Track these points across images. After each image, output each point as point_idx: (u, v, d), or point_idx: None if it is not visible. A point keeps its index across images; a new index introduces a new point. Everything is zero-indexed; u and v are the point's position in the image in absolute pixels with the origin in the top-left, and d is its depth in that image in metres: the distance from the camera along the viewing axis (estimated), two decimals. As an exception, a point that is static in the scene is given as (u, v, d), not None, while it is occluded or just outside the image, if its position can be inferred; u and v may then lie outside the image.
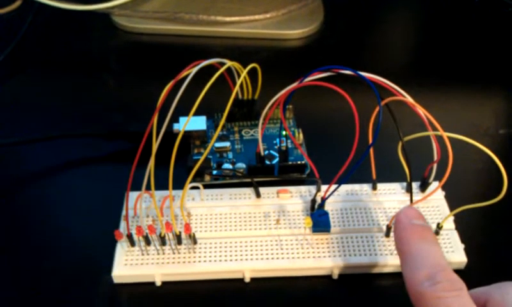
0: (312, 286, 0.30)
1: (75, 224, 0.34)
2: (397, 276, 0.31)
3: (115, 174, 0.35)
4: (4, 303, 0.30)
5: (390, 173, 0.33)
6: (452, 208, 0.33)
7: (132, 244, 0.31)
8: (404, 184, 0.34)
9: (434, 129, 0.28)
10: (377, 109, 0.28)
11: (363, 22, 0.56)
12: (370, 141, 0.30)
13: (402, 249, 0.25)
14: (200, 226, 0.32)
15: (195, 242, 0.31)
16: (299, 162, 0.36)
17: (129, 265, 0.30)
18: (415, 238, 0.25)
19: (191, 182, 0.30)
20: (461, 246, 0.31)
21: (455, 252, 0.31)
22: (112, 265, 0.30)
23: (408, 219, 0.26)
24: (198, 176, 0.35)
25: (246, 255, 0.31)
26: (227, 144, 0.38)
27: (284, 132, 0.36)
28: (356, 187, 0.34)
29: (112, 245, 0.31)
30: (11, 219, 0.34)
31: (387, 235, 0.31)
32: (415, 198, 0.31)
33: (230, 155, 0.37)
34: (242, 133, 0.39)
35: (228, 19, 0.51)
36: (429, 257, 0.24)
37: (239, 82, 0.32)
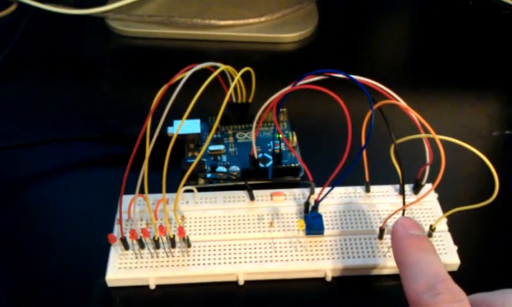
0: (305, 288, 0.30)
1: (69, 228, 0.33)
2: (390, 278, 0.31)
3: (109, 178, 0.35)
4: (-3, 307, 0.30)
5: (383, 175, 0.34)
6: (445, 210, 0.33)
7: (126, 247, 0.31)
8: (397, 186, 0.34)
9: (427, 132, 0.29)
10: (369, 112, 0.28)
11: (357, 25, 0.56)
12: (363, 143, 0.30)
13: (401, 260, 0.25)
14: (193, 229, 0.32)
15: (189, 245, 0.31)
16: (292, 165, 0.36)
17: (123, 269, 0.30)
18: (413, 249, 0.25)
19: (184, 185, 0.30)
20: (454, 248, 0.31)
21: (448, 254, 0.31)
22: (106, 269, 0.30)
23: (405, 229, 0.26)
24: (192, 179, 0.35)
25: (240, 258, 0.31)
26: (221, 147, 0.38)
27: (278, 135, 0.36)
28: (349, 189, 0.34)
29: (106, 248, 0.31)
30: (5, 223, 0.34)
31: (380, 237, 0.31)
32: (408, 200, 0.31)
33: (224, 158, 0.37)
34: (236, 136, 0.39)
35: (222, 23, 0.51)
36: (428, 267, 0.23)
37: (232, 86, 0.32)
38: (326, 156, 0.34)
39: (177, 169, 0.35)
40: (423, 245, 0.25)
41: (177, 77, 0.30)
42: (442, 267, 0.24)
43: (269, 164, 0.37)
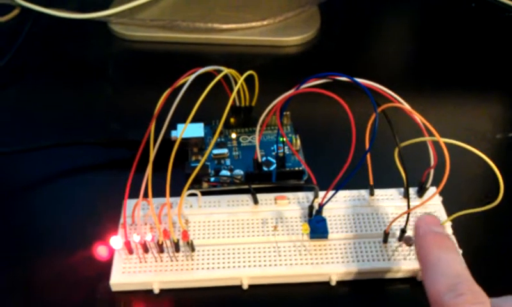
0: (310, 292, 0.30)
1: (73, 232, 0.33)
2: (395, 282, 0.31)
3: (113, 182, 0.35)
4: (1, 312, 0.30)
5: (387, 179, 0.33)
6: (449, 213, 0.33)
7: (130, 251, 0.31)
8: (402, 189, 0.34)
9: (431, 135, 0.29)
10: (373, 115, 0.28)
11: (360, 28, 0.56)
12: (367, 147, 0.30)
13: (423, 258, 0.25)
14: (197, 233, 0.32)
15: (193, 249, 0.31)
16: (296, 169, 0.36)
17: (127, 273, 0.30)
18: (434, 247, 0.24)
19: (188, 189, 0.30)
20: (459, 251, 0.31)
21: (453, 257, 0.31)
22: (110, 273, 0.30)
23: (428, 226, 0.25)
24: (196, 183, 0.35)
25: (244, 262, 0.31)
26: (225, 151, 0.38)
27: (281, 139, 0.36)
28: (353, 192, 0.34)
29: (110, 253, 0.31)
30: (8, 227, 0.34)
31: (385, 240, 0.31)
32: (412, 204, 0.31)
33: (228, 161, 0.37)
34: (240, 140, 0.39)
35: (225, 26, 0.51)
36: (450, 267, 0.23)
37: (236, 89, 0.32)
38: (330, 159, 0.34)
39: (181, 173, 0.35)
40: (444, 243, 0.25)
41: (180, 81, 0.30)
42: (464, 267, 0.23)
43: (273, 167, 0.37)
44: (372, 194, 0.34)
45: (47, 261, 0.32)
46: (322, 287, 0.30)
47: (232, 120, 0.39)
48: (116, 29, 0.52)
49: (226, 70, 0.32)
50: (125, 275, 0.30)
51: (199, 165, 0.30)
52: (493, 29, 0.55)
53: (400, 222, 0.31)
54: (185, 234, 0.30)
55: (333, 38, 0.53)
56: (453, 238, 0.32)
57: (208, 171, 0.36)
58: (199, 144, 0.38)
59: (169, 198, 0.29)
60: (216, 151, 0.37)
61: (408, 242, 0.30)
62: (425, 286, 0.23)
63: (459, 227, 0.32)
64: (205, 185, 0.36)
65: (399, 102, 0.30)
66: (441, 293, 0.22)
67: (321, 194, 0.32)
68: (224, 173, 0.36)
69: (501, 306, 0.23)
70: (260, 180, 0.35)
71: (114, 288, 0.30)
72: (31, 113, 0.44)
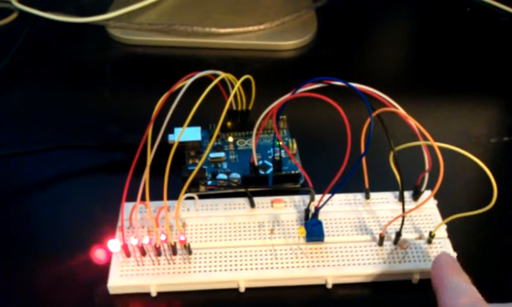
0: (306, 295, 0.31)
1: (71, 235, 0.34)
2: (390, 285, 0.31)
3: (111, 185, 0.35)
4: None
5: (382, 182, 0.34)
6: (444, 216, 0.33)
7: (128, 254, 0.31)
8: (397, 193, 0.35)
9: (426, 139, 0.29)
10: (368, 119, 0.28)
11: (356, 33, 0.56)
12: (363, 150, 0.30)
13: (441, 281, 0.26)
14: (194, 236, 0.32)
15: (190, 253, 0.31)
16: (292, 172, 0.36)
17: (125, 276, 0.30)
18: (455, 273, 0.26)
19: (185, 192, 0.31)
20: (454, 254, 0.31)
21: (447, 260, 0.31)
22: (108, 276, 0.30)
23: (450, 258, 0.27)
24: (193, 187, 0.35)
25: (241, 265, 0.31)
26: (222, 154, 0.38)
27: (278, 142, 0.37)
28: (349, 196, 0.35)
29: (108, 256, 0.31)
30: (5, 230, 0.34)
31: (380, 244, 0.32)
32: (407, 207, 0.32)
33: (225, 165, 0.37)
34: (237, 143, 0.39)
35: (222, 31, 0.51)
36: (469, 289, 0.25)
37: (232, 93, 0.33)
38: (326, 163, 0.34)
39: (178, 177, 0.35)
40: (462, 274, 0.26)
41: (178, 85, 0.30)
42: (479, 294, 0.25)
43: (270, 171, 0.37)
44: (367, 197, 0.34)
45: (45, 264, 0.32)
46: (318, 290, 0.31)
47: (229, 124, 0.40)
48: (114, 33, 0.52)
49: (223, 74, 0.33)
50: (122, 278, 0.30)
51: (196, 169, 0.30)
52: (488, 34, 0.55)
53: (396, 225, 0.31)
54: (182, 237, 0.30)
55: (329, 43, 0.53)
56: (447, 241, 0.32)
57: (205, 174, 0.36)
58: (196, 148, 0.38)
59: (167, 201, 0.29)
60: (212, 155, 0.38)
61: (403, 245, 0.31)
62: (443, 303, 0.25)
63: (453, 230, 0.32)
64: (202, 188, 0.36)
65: (394, 106, 0.30)
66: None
67: (317, 197, 0.32)
68: (221, 176, 0.36)
69: None
70: (256, 183, 0.36)
71: (111, 291, 0.30)
72: (28, 116, 0.44)
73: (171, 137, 0.37)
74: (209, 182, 0.36)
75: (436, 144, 0.28)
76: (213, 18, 0.53)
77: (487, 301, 0.24)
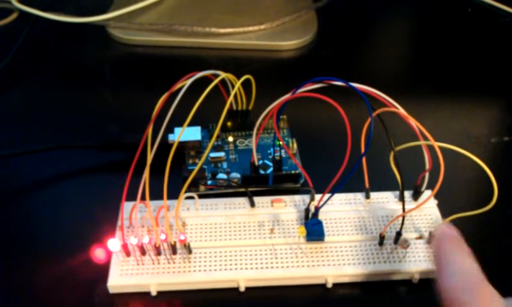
0: (306, 295, 0.31)
1: (71, 234, 0.34)
2: (390, 285, 0.31)
3: (111, 185, 0.35)
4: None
5: (383, 182, 0.34)
6: (444, 216, 0.33)
7: (128, 254, 0.31)
8: (397, 193, 0.35)
9: (426, 139, 0.29)
10: (369, 119, 0.28)
11: (356, 33, 0.56)
12: (363, 150, 0.30)
13: (440, 256, 0.25)
14: (194, 235, 0.32)
15: (190, 252, 0.31)
16: (293, 172, 0.36)
17: (125, 275, 0.30)
18: (454, 248, 0.25)
19: (185, 192, 0.31)
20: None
21: (447, 260, 0.31)
22: (107, 275, 0.30)
23: (447, 232, 0.26)
24: (193, 186, 0.35)
25: (241, 264, 0.31)
26: (222, 154, 0.38)
27: (278, 142, 0.37)
28: (349, 196, 0.35)
29: (108, 255, 0.31)
30: (5, 230, 0.34)
31: (381, 243, 0.32)
32: (407, 207, 0.32)
33: (225, 165, 0.37)
34: (237, 143, 0.39)
35: (222, 31, 0.51)
36: (467, 267, 0.24)
37: (233, 93, 0.33)
38: (326, 163, 0.34)
39: (178, 176, 0.35)
40: (462, 247, 0.25)
41: (178, 85, 0.30)
42: (480, 270, 0.24)
43: (270, 170, 0.37)
44: (367, 197, 0.34)
45: (45, 264, 0.32)
46: (318, 289, 0.31)
47: (229, 124, 0.40)
48: (114, 33, 0.52)
49: (223, 74, 0.33)
50: (122, 278, 0.30)
51: (196, 169, 0.30)
52: (488, 34, 0.55)
53: (396, 225, 0.31)
54: (182, 236, 0.30)
55: (329, 43, 0.53)
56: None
57: (205, 174, 0.36)
58: (196, 148, 0.38)
59: (167, 201, 0.29)
60: (213, 155, 0.38)
61: (403, 244, 0.31)
62: (440, 283, 0.23)
63: (454, 230, 0.32)
64: (202, 188, 0.36)
65: (394, 106, 0.30)
66: (457, 290, 0.22)
67: (317, 197, 0.32)
68: (221, 176, 0.36)
69: None
70: (256, 183, 0.36)
71: (111, 290, 0.30)
72: (28, 116, 0.44)
73: (171, 137, 0.37)
74: (209, 182, 0.36)
75: (436, 144, 0.28)
76: (213, 18, 0.53)
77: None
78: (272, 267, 0.31)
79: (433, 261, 0.26)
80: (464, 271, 0.23)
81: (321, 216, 0.33)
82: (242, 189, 0.35)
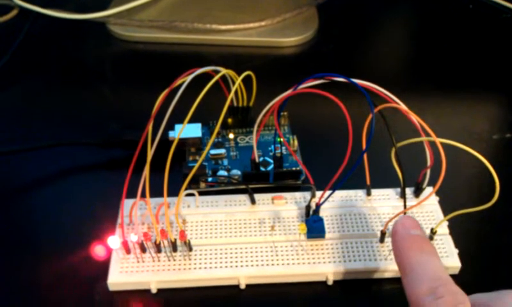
0: (307, 292, 0.30)
1: (71, 232, 0.34)
2: (392, 281, 0.31)
3: (111, 182, 0.35)
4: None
5: (384, 179, 0.34)
6: (445, 213, 0.33)
7: (128, 251, 0.31)
8: (398, 190, 0.35)
9: (428, 135, 0.29)
10: (370, 115, 0.28)
11: (357, 29, 0.56)
12: (364, 147, 0.30)
13: (402, 262, 0.25)
14: (195, 232, 0.32)
15: (190, 249, 0.31)
16: (293, 169, 0.36)
17: (125, 273, 0.30)
18: (413, 250, 0.24)
19: (186, 189, 0.30)
20: (455, 251, 0.31)
21: (449, 257, 0.31)
22: (108, 273, 0.30)
23: (406, 230, 0.26)
24: (194, 183, 0.35)
25: (241, 262, 0.31)
26: (222, 151, 0.38)
27: (279, 139, 0.36)
28: (350, 192, 0.34)
29: (108, 252, 0.31)
30: (5, 227, 0.34)
31: (381, 240, 0.31)
32: (409, 204, 0.31)
33: (225, 161, 0.37)
34: (237, 140, 0.39)
35: (223, 27, 0.51)
36: (429, 269, 0.23)
37: (233, 90, 0.33)
38: (327, 159, 0.34)
39: (178, 173, 0.35)
40: (423, 246, 0.25)
41: (178, 82, 0.30)
42: (443, 269, 0.24)
43: (270, 167, 0.37)
44: (369, 194, 0.34)
45: (45, 261, 0.32)
46: (319, 287, 0.31)
47: (230, 120, 0.40)
48: (114, 29, 0.52)
49: (224, 71, 0.33)
50: (122, 275, 0.30)
51: (196, 165, 0.30)
52: (490, 31, 0.55)
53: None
54: (182, 234, 0.30)
55: (331, 39, 0.53)
56: (449, 238, 0.32)
57: (205, 171, 0.36)
58: (196, 145, 0.38)
59: (167, 198, 0.29)
60: (213, 152, 0.38)
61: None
62: (405, 290, 0.24)
63: (455, 227, 0.32)
64: (202, 185, 0.36)
65: (396, 102, 0.30)
66: (421, 297, 0.22)
67: (318, 194, 0.32)
68: (222, 173, 0.36)
69: (493, 300, 0.23)
70: (257, 180, 0.36)
71: (111, 288, 0.30)
72: (29, 113, 0.44)
73: (171, 134, 0.37)
74: (210, 179, 0.36)
75: (438, 140, 0.28)
76: (214, 14, 0.53)
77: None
78: (272, 264, 0.31)
79: (396, 261, 0.25)
80: (428, 276, 0.23)
81: (322, 213, 0.32)
82: (243, 186, 0.35)
